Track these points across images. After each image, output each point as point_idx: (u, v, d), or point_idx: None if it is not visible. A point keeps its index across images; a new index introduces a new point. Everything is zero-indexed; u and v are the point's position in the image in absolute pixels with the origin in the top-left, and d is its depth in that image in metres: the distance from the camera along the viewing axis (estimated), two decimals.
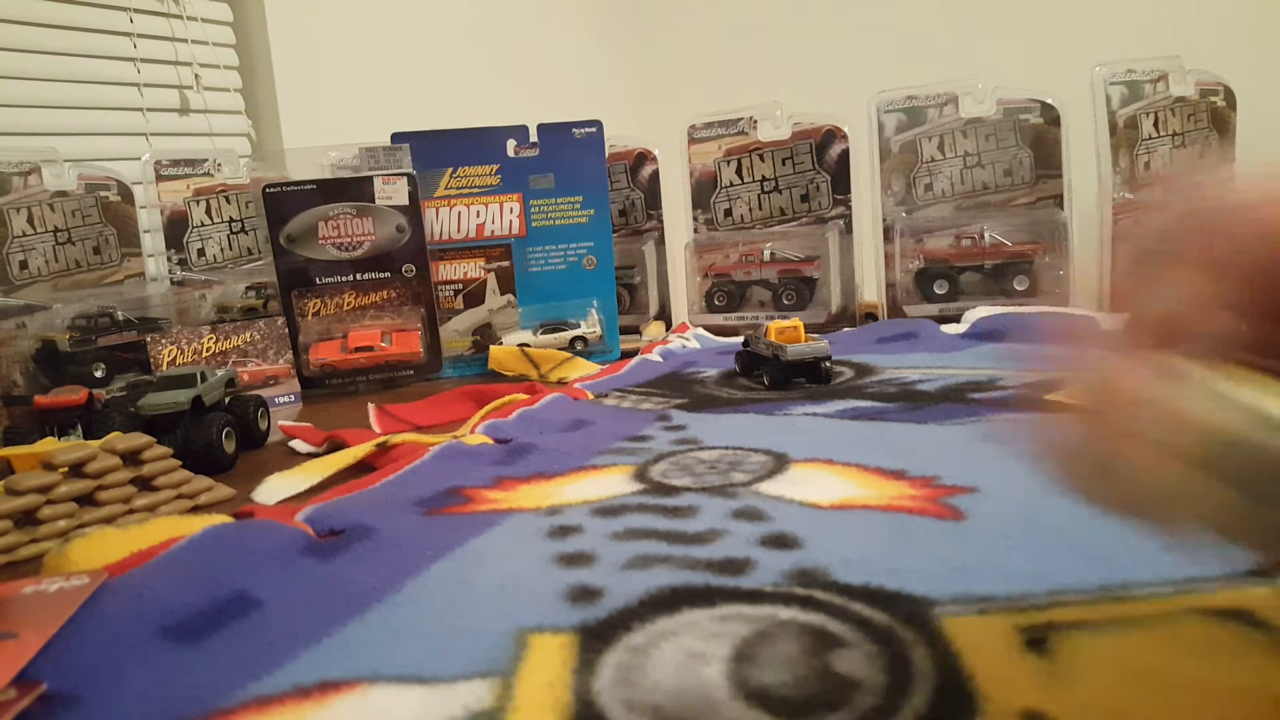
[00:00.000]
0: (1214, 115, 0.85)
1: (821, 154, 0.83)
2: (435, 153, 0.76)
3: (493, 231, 0.77)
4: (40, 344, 0.61)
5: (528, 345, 0.74)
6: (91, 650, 0.26)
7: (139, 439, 0.42)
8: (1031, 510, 0.30)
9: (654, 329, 0.88)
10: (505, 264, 0.78)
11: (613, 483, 0.39)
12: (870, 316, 0.84)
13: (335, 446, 0.51)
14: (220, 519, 0.35)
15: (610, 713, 0.21)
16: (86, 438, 0.52)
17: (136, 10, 0.98)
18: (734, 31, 1.97)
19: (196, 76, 1.05)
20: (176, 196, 0.81)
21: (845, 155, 0.83)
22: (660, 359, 0.70)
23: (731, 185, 0.87)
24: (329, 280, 0.73)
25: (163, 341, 0.62)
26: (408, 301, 0.75)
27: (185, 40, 1.04)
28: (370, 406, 0.61)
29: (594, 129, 0.77)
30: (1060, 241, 0.78)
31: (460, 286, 0.78)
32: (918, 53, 1.68)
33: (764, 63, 1.90)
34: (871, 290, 0.85)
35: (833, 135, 0.83)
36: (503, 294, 0.78)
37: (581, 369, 0.70)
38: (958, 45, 1.68)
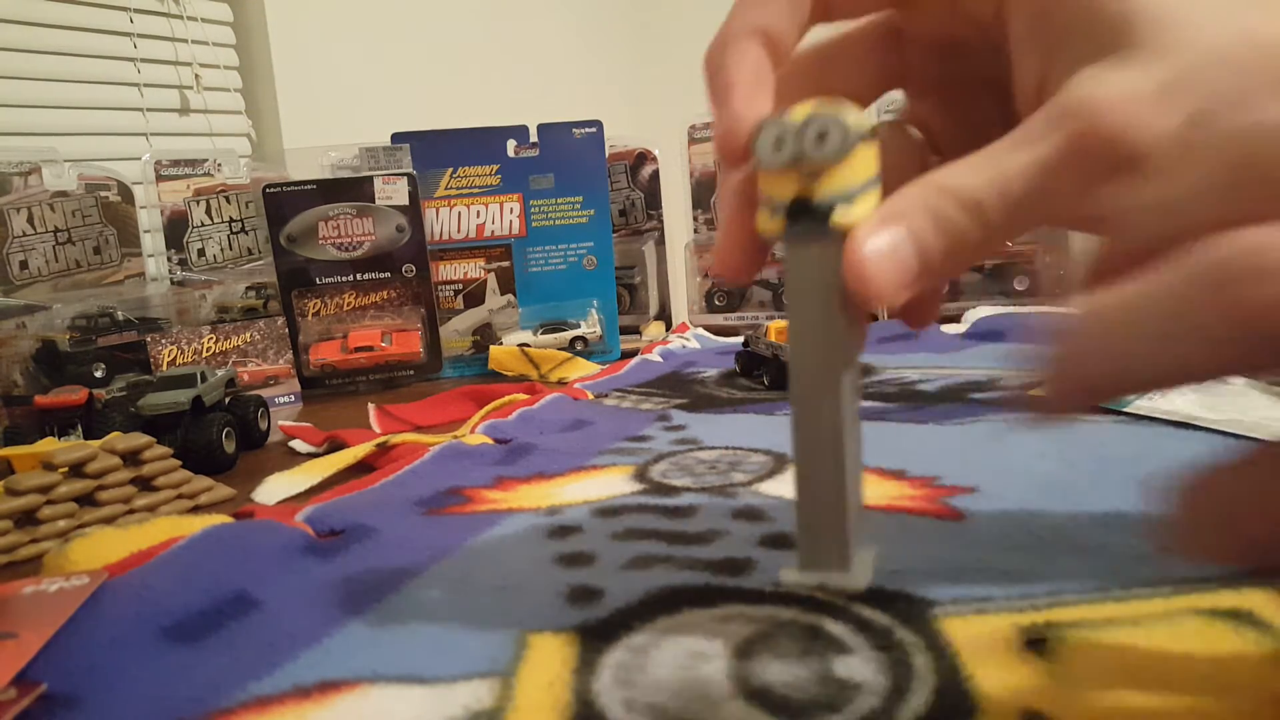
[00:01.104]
0: None
1: None
2: (435, 153, 0.76)
3: (493, 231, 0.77)
4: (40, 344, 0.61)
5: (528, 345, 0.74)
6: (91, 650, 0.26)
7: (139, 439, 0.42)
8: (1031, 510, 0.30)
9: (654, 329, 0.88)
10: (505, 264, 0.78)
11: (613, 483, 0.39)
12: (871, 317, 0.84)
13: (335, 446, 0.51)
14: (220, 519, 0.35)
15: (610, 713, 0.21)
16: (86, 438, 0.52)
17: (136, 10, 0.98)
18: None
19: (196, 76, 1.05)
20: (176, 196, 0.81)
21: None
22: (660, 359, 0.70)
23: None
24: (329, 280, 0.73)
25: (163, 341, 0.62)
26: (408, 301, 0.75)
27: (185, 40, 1.04)
28: (370, 406, 0.61)
29: (594, 129, 0.77)
30: (1060, 241, 0.78)
31: (460, 286, 0.78)
32: None
33: None
34: None
35: None
36: (503, 294, 0.78)
37: (581, 369, 0.70)
38: None
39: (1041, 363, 0.18)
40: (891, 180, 0.21)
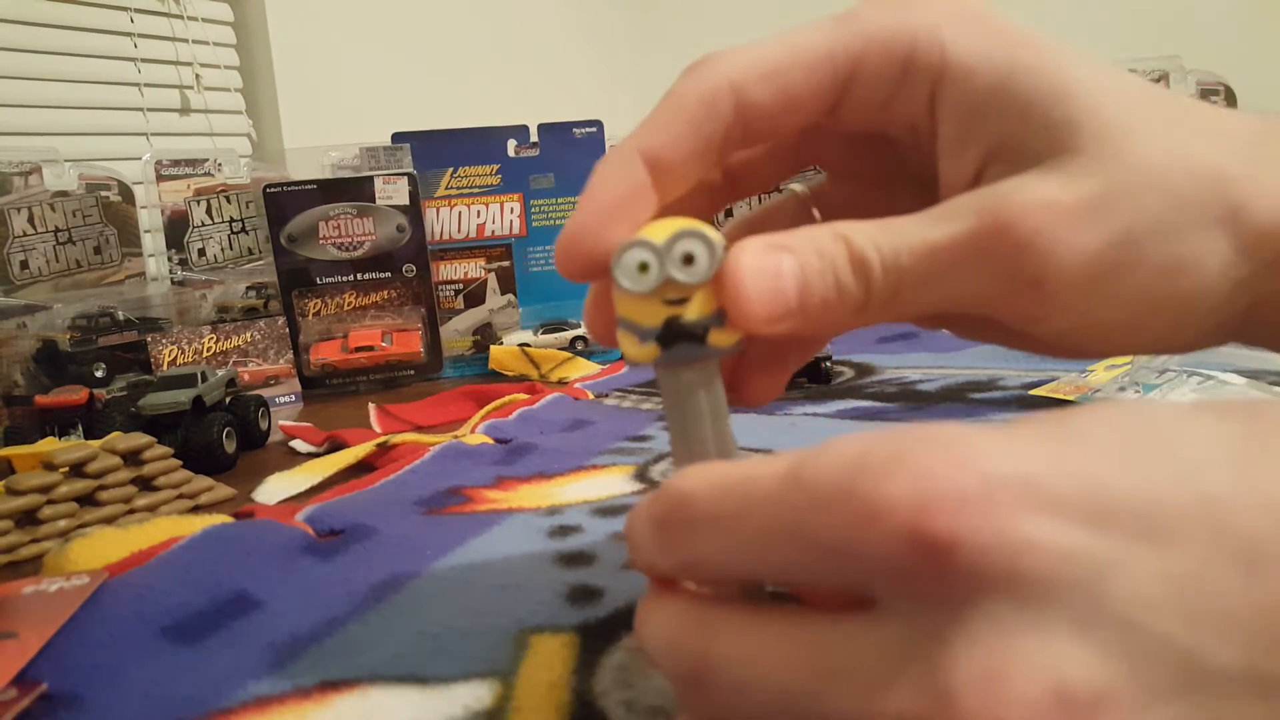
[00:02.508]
0: None
1: None
2: (435, 153, 0.76)
3: (493, 231, 0.77)
4: (41, 344, 0.61)
5: (528, 345, 0.74)
6: (91, 650, 0.26)
7: (139, 439, 0.42)
8: None
9: None
10: (506, 264, 0.78)
11: (613, 483, 0.39)
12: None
13: (335, 446, 0.51)
14: (220, 519, 0.35)
15: (611, 714, 0.21)
16: (87, 437, 0.52)
17: (137, 10, 0.98)
18: (734, 30, 1.97)
19: (197, 76, 1.05)
20: (177, 196, 0.81)
21: None
22: None
23: None
24: (329, 280, 0.73)
25: (163, 341, 0.62)
26: (408, 301, 0.75)
27: (186, 40, 1.04)
28: (370, 406, 0.61)
29: (594, 129, 0.77)
30: None
31: (461, 286, 0.78)
32: None
33: None
34: None
35: None
36: (503, 294, 0.78)
37: (582, 369, 0.70)
38: None
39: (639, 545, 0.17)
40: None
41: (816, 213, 0.24)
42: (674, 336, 0.19)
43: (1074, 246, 0.17)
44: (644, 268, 0.18)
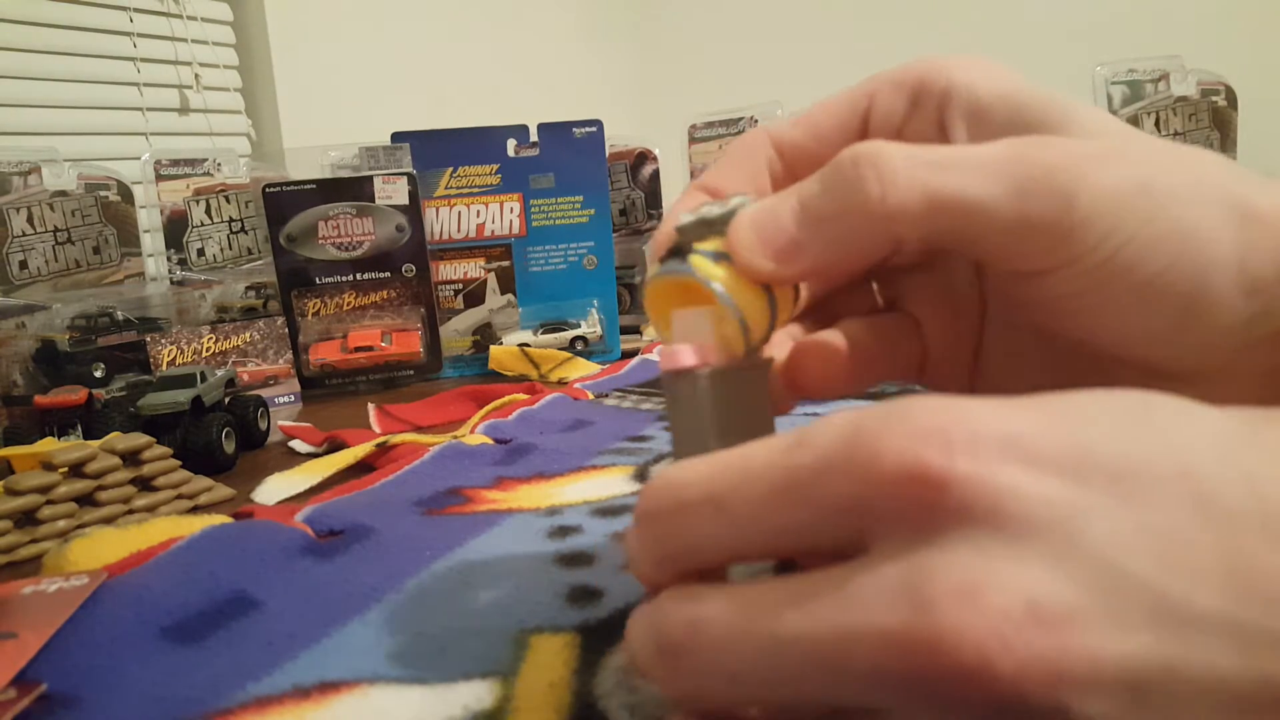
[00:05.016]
0: (1215, 115, 0.85)
1: None
2: (435, 152, 0.76)
3: (493, 231, 0.77)
4: (40, 344, 0.61)
5: (528, 345, 0.74)
6: (91, 650, 0.26)
7: (139, 439, 0.42)
8: None
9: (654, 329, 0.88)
10: (505, 264, 0.78)
11: (613, 483, 0.39)
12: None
13: (335, 446, 0.51)
14: (220, 519, 0.35)
15: (612, 715, 0.21)
16: (86, 438, 0.52)
17: (136, 10, 0.98)
18: (734, 30, 1.97)
19: (196, 76, 1.05)
20: (176, 196, 0.81)
21: None
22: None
23: None
24: (329, 280, 0.73)
25: (162, 341, 0.62)
26: (408, 301, 0.75)
27: (185, 40, 1.04)
28: (370, 406, 0.61)
29: (594, 129, 0.77)
30: None
31: (460, 286, 0.78)
32: (918, 52, 1.68)
33: (764, 62, 1.90)
34: None
35: None
36: (503, 294, 0.78)
37: (581, 369, 0.70)
38: (957, 46, 1.68)
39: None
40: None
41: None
42: (669, 254, 0.20)
43: (1105, 185, 0.18)
44: (695, 210, 0.21)
